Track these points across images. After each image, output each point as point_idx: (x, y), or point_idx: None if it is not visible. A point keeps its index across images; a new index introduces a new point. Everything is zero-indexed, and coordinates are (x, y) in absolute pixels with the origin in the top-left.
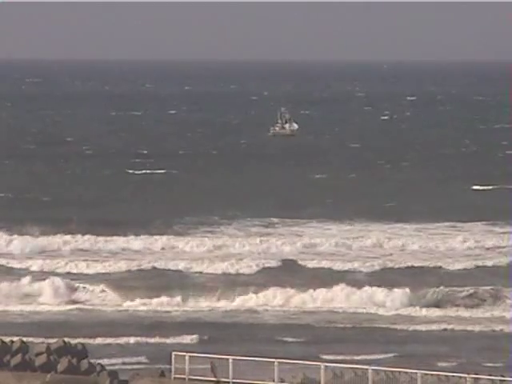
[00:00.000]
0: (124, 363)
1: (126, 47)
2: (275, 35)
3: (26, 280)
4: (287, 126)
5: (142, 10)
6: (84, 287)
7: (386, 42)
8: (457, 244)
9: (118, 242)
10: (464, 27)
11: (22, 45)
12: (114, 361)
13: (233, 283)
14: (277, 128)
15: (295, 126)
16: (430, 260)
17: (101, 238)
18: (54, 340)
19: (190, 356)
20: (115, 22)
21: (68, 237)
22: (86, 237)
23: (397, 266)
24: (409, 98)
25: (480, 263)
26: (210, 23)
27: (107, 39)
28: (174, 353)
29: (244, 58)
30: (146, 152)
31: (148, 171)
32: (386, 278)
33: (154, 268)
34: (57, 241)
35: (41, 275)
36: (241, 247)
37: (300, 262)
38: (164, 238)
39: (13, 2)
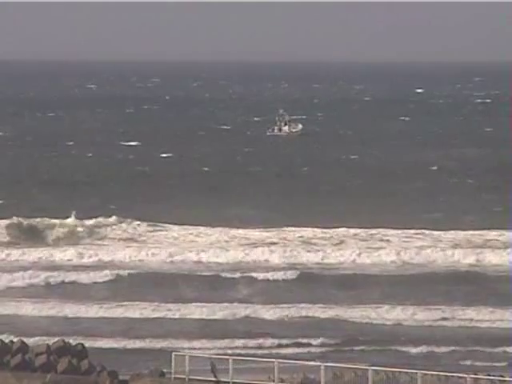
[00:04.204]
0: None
1: (125, 48)
2: (275, 36)
3: None
4: (287, 127)
5: (141, 11)
6: None
7: (385, 42)
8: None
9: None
10: (464, 27)
11: (21, 45)
12: None
13: None
14: (275, 129)
15: (300, 126)
16: None
17: None
18: (54, 340)
19: (189, 356)
20: (114, 22)
21: None
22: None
23: None
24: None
25: None
26: (209, 24)
27: (108, 40)
28: (174, 353)
29: (243, 59)
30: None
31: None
32: None
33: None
34: None
35: None
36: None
37: None
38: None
39: (13, 2)
